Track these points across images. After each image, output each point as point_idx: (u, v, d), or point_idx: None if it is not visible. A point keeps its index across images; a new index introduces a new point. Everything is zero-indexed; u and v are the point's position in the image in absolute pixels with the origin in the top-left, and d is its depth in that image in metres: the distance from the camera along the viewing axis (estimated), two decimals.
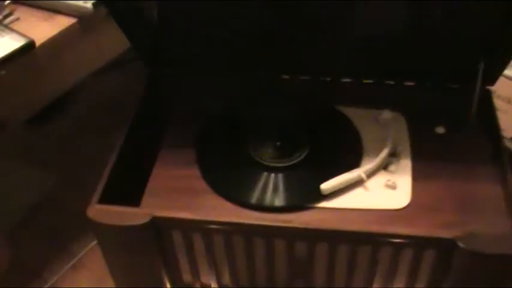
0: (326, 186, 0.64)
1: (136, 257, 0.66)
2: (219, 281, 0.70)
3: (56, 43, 0.75)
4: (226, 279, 0.70)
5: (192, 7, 0.69)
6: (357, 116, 0.74)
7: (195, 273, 0.69)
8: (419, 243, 0.61)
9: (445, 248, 0.60)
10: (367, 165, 0.67)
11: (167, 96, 0.79)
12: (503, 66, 0.72)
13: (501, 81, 0.76)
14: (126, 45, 0.72)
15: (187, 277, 0.70)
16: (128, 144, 0.70)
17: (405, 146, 0.71)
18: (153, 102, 0.77)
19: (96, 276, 0.91)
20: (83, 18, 0.77)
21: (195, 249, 0.66)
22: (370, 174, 0.67)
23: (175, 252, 0.66)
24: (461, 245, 0.59)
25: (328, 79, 0.78)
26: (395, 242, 0.61)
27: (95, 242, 0.94)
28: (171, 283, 0.70)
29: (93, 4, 0.76)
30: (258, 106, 0.76)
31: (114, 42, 0.80)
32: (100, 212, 0.63)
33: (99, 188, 0.64)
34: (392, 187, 0.66)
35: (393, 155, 0.69)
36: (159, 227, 0.63)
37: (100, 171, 0.66)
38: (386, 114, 0.73)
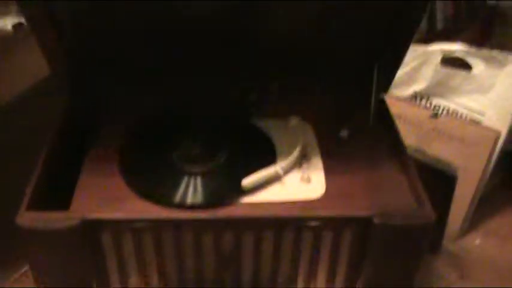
0: (246, 181, 0.68)
1: (65, 264, 0.66)
2: (147, 283, 0.71)
3: None
4: (155, 282, 0.71)
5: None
6: (268, 125, 0.79)
7: (124, 276, 0.70)
8: (338, 224, 0.66)
9: (361, 226, 0.65)
10: (282, 162, 0.71)
11: (91, 107, 0.81)
12: (395, 71, 0.80)
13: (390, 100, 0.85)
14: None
15: (115, 282, 0.71)
16: (53, 155, 0.71)
17: (314, 147, 0.76)
18: (77, 114, 0.79)
19: None
20: (3, 39, 0.78)
21: (125, 252, 0.67)
22: (286, 170, 0.71)
23: (105, 256, 0.67)
24: (376, 220, 0.64)
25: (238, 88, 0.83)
26: (316, 226, 0.66)
27: (13, 278, 0.92)
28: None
29: (13, 26, 0.78)
30: (176, 117, 0.80)
31: (35, 65, 0.82)
32: (30, 218, 0.63)
33: (27, 196, 0.65)
34: (307, 180, 0.71)
35: (304, 156, 0.75)
36: (89, 230, 0.64)
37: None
38: (294, 121, 0.79)
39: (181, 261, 0.68)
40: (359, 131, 0.80)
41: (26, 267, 0.93)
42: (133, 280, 0.70)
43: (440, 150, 1.00)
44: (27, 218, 0.63)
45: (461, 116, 1.02)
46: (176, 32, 0.74)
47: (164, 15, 0.72)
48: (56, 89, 0.74)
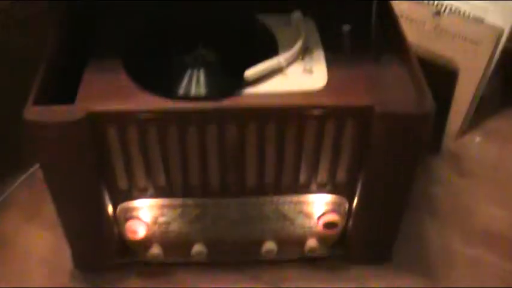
0: (249, 72, 0.69)
1: (72, 160, 0.68)
2: (154, 182, 0.73)
3: None
4: (161, 180, 0.73)
5: None
6: (270, 20, 0.79)
7: (131, 175, 0.72)
8: (340, 113, 0.67)
9: (363, 115, 0.66)
10: (284, 54, 0.72)
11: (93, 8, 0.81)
12: None
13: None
14: None
15: (122, 181, 0.72)
16: (59, 49, 0.72)
17: (316, 41, 0.76)
18: (79, 15, 0.79)
19: (24, 214, 0.91)
20: None
21: (130, 147, 0.68)
22: (289, 62, 0.72)
23: (111, 152, 0.69)
24: (377, 109, 0.65)
25: None
26: (319, 115, 0.67)
27: (23, 177, 0.94)
28: (108, 188, 0.73)
29: None
30: (178, 16, 0.80)
31: None
32: (37, 112, 0.64)
33: (34, 91, 0.66)
34: (310, 71, 0.71)
35: (307, 50, 0.75)
36: (95, 123, 0.65)
37: None
38: (297, 15, 0.78)
39: (185, 157, 0.69)
40: (361, 26, 0.80)
41: (33, 168, 0.94)
42: (140, 181, 0.72)
43: (442, 49, 0.99)
44: (34, 112, 0.64)
45: (464, 14, 1.01)
46: None
47: None
48: None
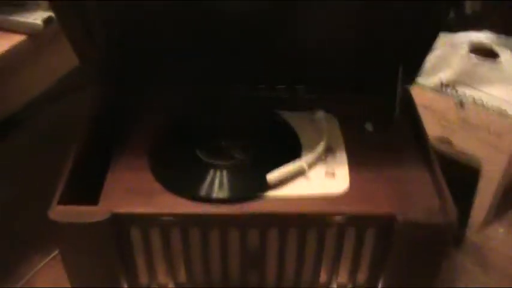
0: (271, 175, 0.69)
1: (95, 257, 0.68)
2: (175, 280, 0.73)
3: (8, 58, 0.78)
4: (182, 278, 0.73)
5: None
6: (293, 118, 0.80)
7: (152, 272, 0.72)
8: (361, 221, 0.67)
9: (384, 224, 0.66)
10: (307, 157, 0.72)
11: (119, 108, 0.83)
12: (420, 65, 0.80)
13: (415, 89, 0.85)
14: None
15: (144, 278, 0.73)
16: (84, 149, 0.73)
17: (339, 142, 0.77)
18: (105, 115, 0.80)
19: None
20: (34, 36, 0.80)
21: (153, 246, 0.69)
22: (311, 165, 0.72)
23: (133, 251, 0.69)
24: (399, 218, 0.65)
25: (263, 86, 0.84)
26: (340, 222, 0.67)
27: (43, 263, 0.95)
28: (128, 284, 0.73)
29: (43, 21, 0.79)
30: (204, 114, 0.82)
31: (65, 60, 0.83)
32: (61, 212, 0.65)
33: (59, 191, 0.67)
34: (332, 175, 0.72)
35: (329, 150, 0.75)
36: (118, 224, 0.66)
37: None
38: (320, 114, 0.79)
39: (207, 256, 0.70)
40: (384, 123, 0.81)
41: (56, 251, 0.95)
42: (161, 277, 0.72)
43: (465, 140, 0.99)
44: (59, 212, 0.65)
45: (487, 106, 1.02)
46: (207, 29, 0.75)
47: (195, 12, 0.73)
48: (85, 83, 0.76)
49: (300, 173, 0.71)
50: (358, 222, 0.67)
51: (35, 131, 0.95)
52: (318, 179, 0.71)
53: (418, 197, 0.71)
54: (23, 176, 1.04)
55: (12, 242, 0.97)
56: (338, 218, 0.66)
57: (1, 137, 1.04)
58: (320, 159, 0.74)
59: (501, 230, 1.06)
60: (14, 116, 0.83)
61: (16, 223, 0.99)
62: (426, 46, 0.78)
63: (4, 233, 0.97)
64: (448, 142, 1.00)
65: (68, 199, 0.67)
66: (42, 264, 0.95)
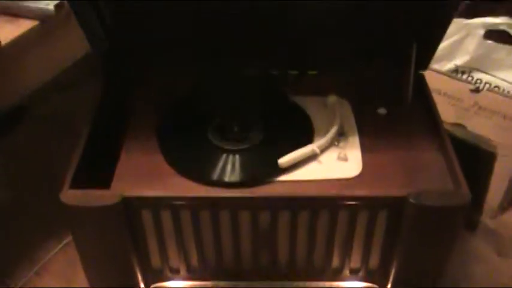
0: (283, 160, 0.69)
1: (107, 241, 0.69)
2: (187, 263, 0.73)
3: (19, 44, 0.78)
4: (194, 261, 0.73)
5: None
6: (306, 103, 0.80)
7: (164, 256, 0.72)
8: (374, 204, 0.66)
9: (397, 206, 0.66)
10: (319, 141, 0.72)
11: (127, 89, 0.83)
12: (434, 49, 0.80)
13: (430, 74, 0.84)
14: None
15: (156, 261, 0.73)
16: (93, 135, 0.73)
17: (352, 125, 0.76)
18: (114, 96, 0.80)
19: (59, 282, 0.92)
20: (45, 21, 0.80)
21: (164, 229, 0.69)
22: (323, 149, 0.72)
23: (145, 234, 0.69)
24: (412, 200, 0.65)
25: (276, 72, 0.84)
26: (352, 205, 0.66)
27: (58, 248, 0.95)
28: (141, 268, 0.73)
29: (55, 6, 0.79)
30: (215, 95, 0.81)
31: (76, 45, 0.83)
32: (73, 196, 0.65)
33: (70, 174, 0.67)
34: (344, 159, 0.71)
35: (342, 134, 0.75)
36: (129, 207, 0.66)
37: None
38: (332, 99, 0.79)
39: (218, 239, 0.70)
40: (397, 107, 0.80)
41: (69, 238, 0.95)
42: (173, 260, 0.72)
43: (480, 126, 0.98)
44: (71, 196, 0.65)
45: (503, 91, 1.01)
46: (215, 14, 0.74)
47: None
48: (95, 68, 0.76)
49: (312, 157, 0.71)
50: (370, 204, 0.66)
51: (45, 119, 0.95)
52: (330, 163, 0.71)
53: (431, 180, 0.70)
54: (33, 164, 1.04)
55: (28, 227, 0.97)
56: (350, 201, 0.66)
57: (11, 124, 1.04)
58: (332, 144, 0.73)
59: None
60: (23, 103, 0.83)
61: (30, 209, 0.99)
62: (441, 28, 0.77)
63: (20, 218, 0.97)
64: (463, 127, 0.99)
65: (79, 183, 0.67)
66: (57, 249, 0.96)
